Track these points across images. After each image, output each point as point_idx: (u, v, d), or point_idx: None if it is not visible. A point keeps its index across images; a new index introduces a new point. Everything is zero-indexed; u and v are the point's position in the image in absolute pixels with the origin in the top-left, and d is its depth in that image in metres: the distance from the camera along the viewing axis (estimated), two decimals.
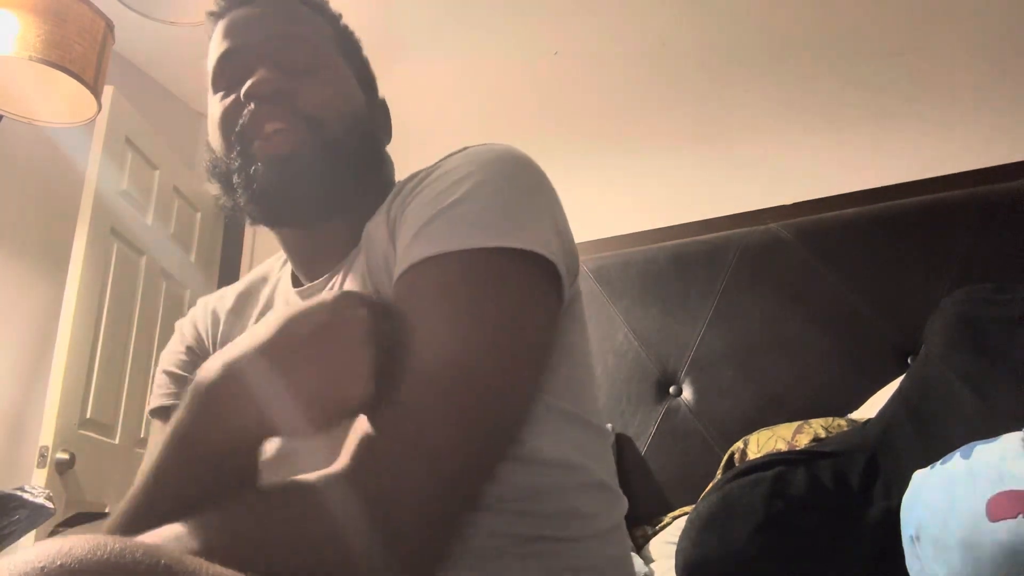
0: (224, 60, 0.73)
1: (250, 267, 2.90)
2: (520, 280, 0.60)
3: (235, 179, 0.71)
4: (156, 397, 0.83)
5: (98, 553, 0.35)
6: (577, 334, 0.69)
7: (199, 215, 2.77)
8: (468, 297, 0.57)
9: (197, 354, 0.82)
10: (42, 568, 0.34)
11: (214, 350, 0.81)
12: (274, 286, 0.82)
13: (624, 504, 0.73)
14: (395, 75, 2.55)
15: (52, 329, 2.09)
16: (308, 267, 0.77)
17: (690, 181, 2.20)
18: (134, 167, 2.35)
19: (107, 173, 2.20)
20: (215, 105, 0.74)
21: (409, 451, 0.50)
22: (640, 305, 1.69)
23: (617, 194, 2.23)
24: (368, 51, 0.85)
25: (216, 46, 0.75)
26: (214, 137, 0.74)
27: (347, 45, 0.81)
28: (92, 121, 1.87)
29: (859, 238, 1.58)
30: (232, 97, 0.73)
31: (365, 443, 0.51)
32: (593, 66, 2.45)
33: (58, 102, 1.78)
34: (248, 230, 2.76)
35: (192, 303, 2.92)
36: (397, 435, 0.51)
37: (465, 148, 0.69)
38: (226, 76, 0.73)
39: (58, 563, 0.34)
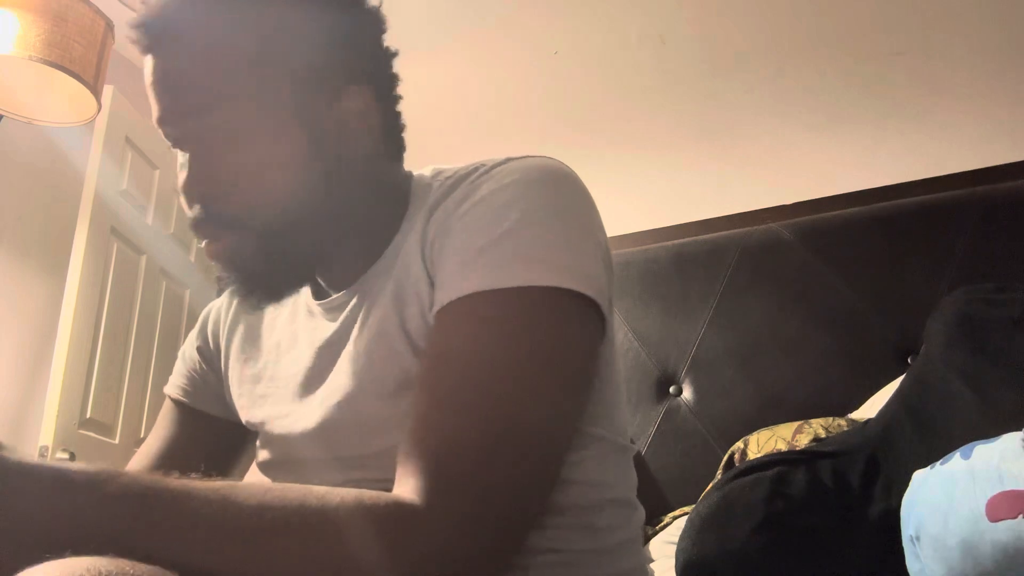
0: (157, 125, 0.65)
1: None
2: (566, 320, 0.58)
3: None
4: (171, 384, 0.85)
5: None
6: (608, 353, 0.67)
7: None
8: (515, 337, 0.56)
9: (210, 350, 0.83)
10: None
11: (223, 349, 0.81)
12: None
13: (641, 515, 0.72)
14: None
15: (52, 329, 2.09)
16: (327, 280, 0.74)
17: (690, 181, 2.20)
18: (134, 167, 2.35)
19: (107, 173, 2.20)
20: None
21: (456, 529, 0.49)
22: (640, 305, 1.69)
23: (617, 194, 2.23)
24: None
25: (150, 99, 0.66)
26: None
27: (282, 53, 0.64)
28: (92, 121, 1.87)
29: (859, 238, 1.58)
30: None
31: (409, 521, 0.48)
32: (593, 65, 2.45)
33: (58, 102, 1.78)
34: None
35: (192, 303, 2.92)
36: (442, 508, 0.49)
37: (508, 160, 0.65)
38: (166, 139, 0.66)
39: None
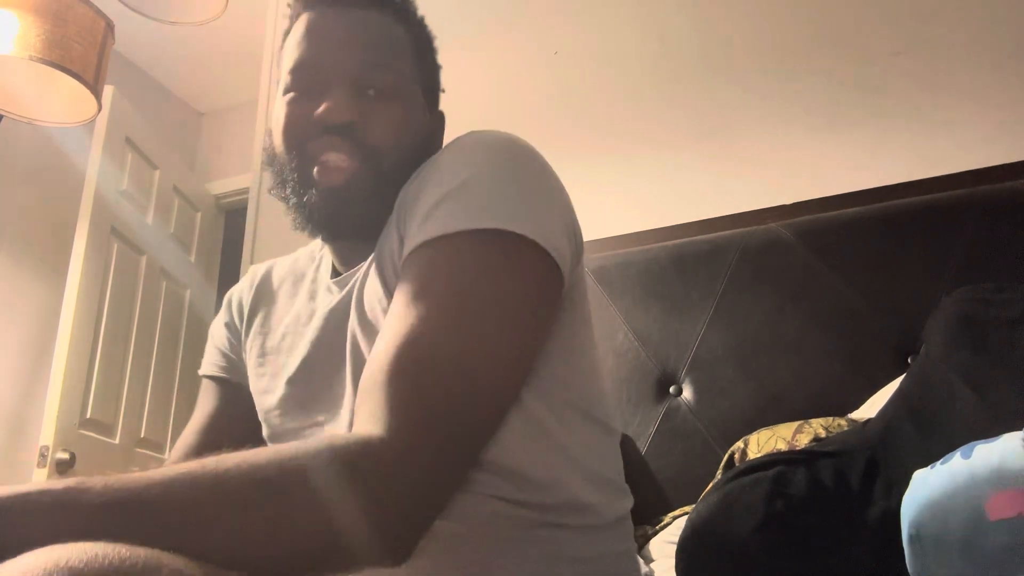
0: (301, 68, 0.75)
1: (251, 265, 2.90)
2: (520, 265, 0.61)
3: (289, 189, 0.75)
4: (205, 364, 0.90)
5: (96, 563, 0.34)
6: (579, 324, 0.71)
7: (199, 215, 2.77)
8: (465, 280, 0.59)
9: (236, 327, 0.89)
10: None
11: (244, 326, 0.87)
12: (317, 269, 0.85)
13: (629, 500, 0.74)
14: None
15: (52, 329, 2.09)
16: (344, 258, 0.80)
17: (690, 181, 2.20)
18: (134, 167, 2.35)
19: (107, 173, 2.20)
20: (281, 102, 0.77)
21: (401, 455, 0.52)
22: (640, 305, 1.69)
23: (617, 194, 2.23)
24: None
25: (297, 43, 0.76)
26: (276, 135, 0.77)
27: (422, 56, 0.84)
28: (92, 121, 1.87)
29: (859, 238, 1.58)
30: (301, 105, 0.75)
31: (363, 443, 0.52)
32: (593, 66, 2.45)
33: (58, 102, 1.78)
34: (248, 230, 2.76)
35: (192, 303, 2.93)
36: (407, 440, 0.53)
37: (470, 133, 0.71)
38: (301, 82, 0.75)
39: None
